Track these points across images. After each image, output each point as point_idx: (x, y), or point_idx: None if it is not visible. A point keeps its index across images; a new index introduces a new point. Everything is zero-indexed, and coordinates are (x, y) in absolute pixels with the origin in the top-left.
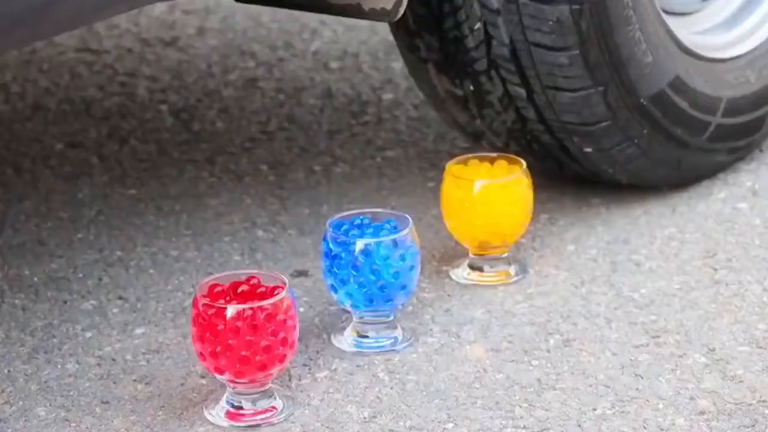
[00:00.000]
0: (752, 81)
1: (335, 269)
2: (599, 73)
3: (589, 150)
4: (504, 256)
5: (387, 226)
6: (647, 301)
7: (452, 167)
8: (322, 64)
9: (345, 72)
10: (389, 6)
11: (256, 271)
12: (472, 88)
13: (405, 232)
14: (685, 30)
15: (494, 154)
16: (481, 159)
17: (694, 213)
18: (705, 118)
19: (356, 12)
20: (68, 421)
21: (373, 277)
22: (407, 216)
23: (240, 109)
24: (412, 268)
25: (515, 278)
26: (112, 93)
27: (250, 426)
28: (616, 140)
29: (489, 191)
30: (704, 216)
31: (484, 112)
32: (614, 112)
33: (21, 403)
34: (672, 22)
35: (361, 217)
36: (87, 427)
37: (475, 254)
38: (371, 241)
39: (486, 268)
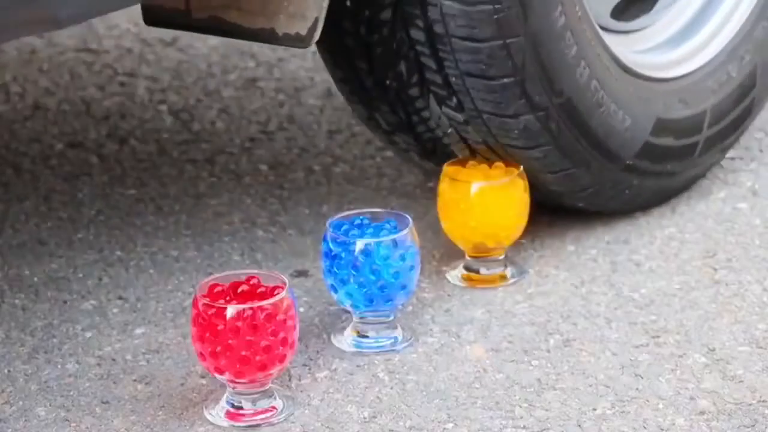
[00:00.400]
0: (734, 76)
1: (335, 269)
2: (578, 157)
3: (581, 206)
4: (500, 258)
5: (387, 226)
6: (647, 301)
7: (449, 169)
8: (322, 65)
9: None
10: (304, 31)
11: (256, 271)
12: None
13: (405, 232)
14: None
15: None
16: (479, 161)
17: (694, 213)
18: (692, 140)
19: (270, 37)
20: (68, 421)
21: (373, 277)
22: (407, 216)
23: (240, 109)
24: (412, 268)
25: (512, 280)
26: (112, 93)
27: (250, 426)
28: (607, 196)
29: (485, 193)
30: (704, 216)
31: None
32: (601, 179)
33: (21, 403)
34: (613, 40)
35: (361, 217)
36: (87, 427)
37: (471, 256)
38: (371, 241)
39: (482, 270)
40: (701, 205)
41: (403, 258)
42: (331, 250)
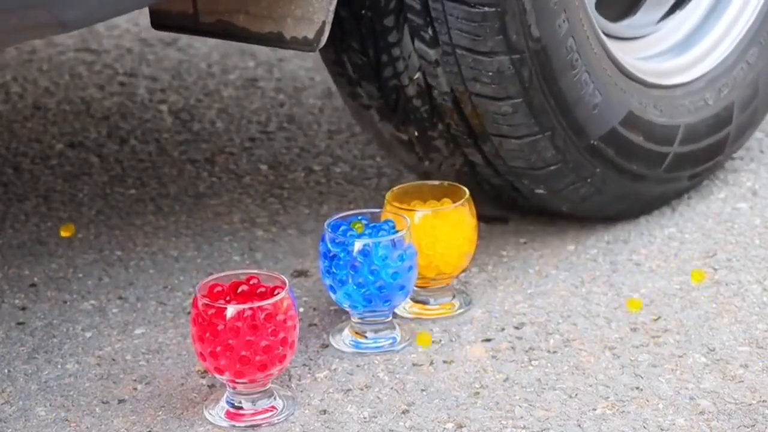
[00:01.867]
0: (711, 104)
1: (334, 270)
2: (545, 119)
3: (540, 191)
4: (448, 287)
5: (385, 226)
6: (647, 301)
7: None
8: (322, 64)
9: None
10: (311, 35)
11: (256, 271)
12: (416, 134)
13: (403, 232)
14: (631, 56)
15: (437, 182)
16: (422, 187)
17: (694, 213)
18: (662, 150)
19: (277, 41)
20: (68, 421)
21: (371, 278)
22: (406, 216)
23: (240, 109)
24: (410, 268)
25: (459, 311)
26: (112, 93)
27: (250, 426)
28: (567, 181)
29: (429, 222)
30: (704, 216)
31: (431, 156)
32: (563, 155)
33: (21, 403)
34: (619, 47)
35: (359, 217)
36: (87, 427)
37: (419, 286)
38: (369, 241)
39: (431, 301)
40: (701, 205)
41: (401, 258)
42: (329, 251)
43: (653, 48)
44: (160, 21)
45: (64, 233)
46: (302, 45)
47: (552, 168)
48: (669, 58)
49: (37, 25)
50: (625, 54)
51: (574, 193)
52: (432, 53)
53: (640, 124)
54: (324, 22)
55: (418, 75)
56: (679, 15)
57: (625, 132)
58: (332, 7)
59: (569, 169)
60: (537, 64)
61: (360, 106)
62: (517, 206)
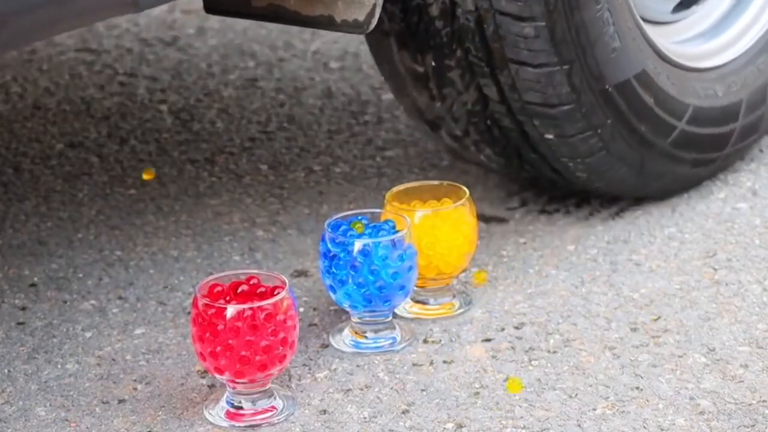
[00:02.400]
0: (719, 95)
1: (334, 270)
2: (565, 49)
3: (550, 137)
4: (448, 287)
5: (385, 226)
6: (647, 301)
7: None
8: (322, 64)
9: (345, 72)
10: (362, 17)
11: (256, 271)
12: (433, 63)
13: (403, 232)
14: (663, 39)
15: (437, 182)
16: (422, 187)
17: (694, 213)
18: (670, 121)
19: (328, 23)
20: (68, 421)
21: (371, 278)
22: (406, 216)
23: (240, 109)
24: (410, 268)
25: (459, 311)
26: (112, 93)
27: (250, 426)
28: (578, 127)
29: (429, 222)
30: (704, 216)
31: (445, 92)
32: (578, 94)
33: (21, 403)
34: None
35: (359, 217)
36: (87, 427)
37: (418, 287)
38: (369, 241)
39: (431, 301)
40: (701, 205)
41: (401, 258)
42: (329, 251)
43: (678, 35)
44: (212, 5)
45: (146, 176)
46: (353, 27)
47: (565, 108)
48: (689, 45)
49: (114, 5)
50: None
51: (583, 144)
52: None
53: (652, 86)
54: (375, 5)
55: None
56: (697, 8)
57: (639, 88)
58: None
59: (581, 114)
60: None
61: (379, 35)
62: (522, 162)
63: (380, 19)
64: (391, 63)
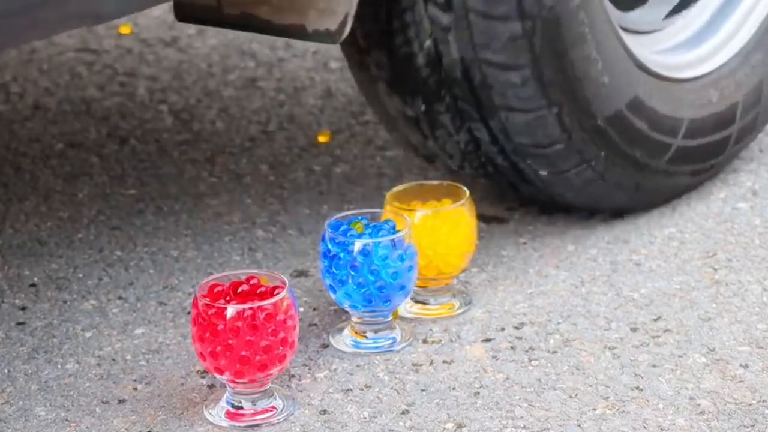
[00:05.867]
0: (714, 101)
1: (334, 269)
2: (553, 92)
3: (544, 173)
4: (448, 287)
5: (385, 226)
6: (647, 301)
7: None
8: (322, 64)
9: (345, 72)
10: (334, 27)
11: (256, 271)
12: (423, 108)
13: (404, 232)
14: (645, 49)
15: (437, 182)
16: (422, 187)
17: (694, 213)
18: (665, 140)
19: (300, 33)
20: (68, 421)
21: (371, 278)
22: (406, 216)
23: (240, 109)
24: (410, 268)
25: (459, 311)
26: (112, 93)
27: (250, 426)
28: (571, 163)
29: (429, 222)
30: (704, 216)
31: (437, 133)
32: (569, 133)
33: (21, 403)
34: (632, 41)
35: (359, 217)
36: (87, 427)
37: (418, 287)
38: (369, 241)
39: (431, 301)
40: (701, 205)
41: (401, 258)
42: (329, 251)
43: (664, 43)
44: (184, 13)
45: (321, 138)
46: (325, 37)
47: (557, 147)
48: (678, 53)
49: (74, 17)
50: (636, 46)
51: (577, 177)
52: (444, 19)
53: (646, 111)
54: (347, 15)
55: (428, 42)
56: (686, 14)
57: (631, 117)
58: (355, 1)
59: (574, 150)
60: (549, 33)
61: (368, 79)
62: (517, 193)
63: (367, 64)
64: (381, 105)
